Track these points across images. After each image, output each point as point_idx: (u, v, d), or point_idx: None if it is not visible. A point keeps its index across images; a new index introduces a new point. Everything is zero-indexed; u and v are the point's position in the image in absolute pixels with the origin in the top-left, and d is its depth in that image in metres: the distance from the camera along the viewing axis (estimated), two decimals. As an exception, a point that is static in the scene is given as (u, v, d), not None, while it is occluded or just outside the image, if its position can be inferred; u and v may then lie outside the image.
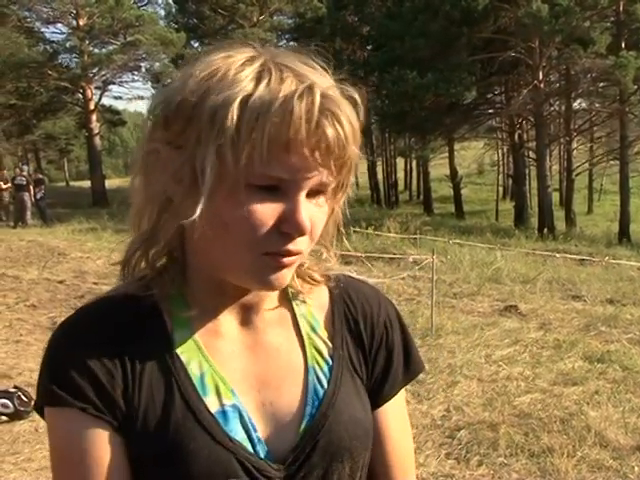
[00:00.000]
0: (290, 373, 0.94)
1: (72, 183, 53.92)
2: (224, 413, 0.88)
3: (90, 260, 12.12)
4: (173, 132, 0.83)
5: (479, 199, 46.66)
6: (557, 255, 13.34)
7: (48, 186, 26.49)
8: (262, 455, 0.88)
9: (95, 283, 9.90)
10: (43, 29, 35.02)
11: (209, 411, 0.87)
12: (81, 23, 30.37)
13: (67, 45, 31.72)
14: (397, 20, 28.17)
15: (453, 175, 36.40)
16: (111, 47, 31.21)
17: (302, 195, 0.82)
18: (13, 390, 4.99)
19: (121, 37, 31.25)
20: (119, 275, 0.92)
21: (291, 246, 0.83)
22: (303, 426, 0.90)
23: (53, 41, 33.42)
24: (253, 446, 0.88)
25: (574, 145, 31.57)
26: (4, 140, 37.42)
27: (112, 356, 0.86)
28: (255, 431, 0.89)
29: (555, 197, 32.48)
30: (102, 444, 0.84)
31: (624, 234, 25.27)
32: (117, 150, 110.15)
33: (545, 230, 24.58)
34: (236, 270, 0.86)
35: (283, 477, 0.88)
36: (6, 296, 9.07)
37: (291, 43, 42.17)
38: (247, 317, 0.95)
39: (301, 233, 0.82)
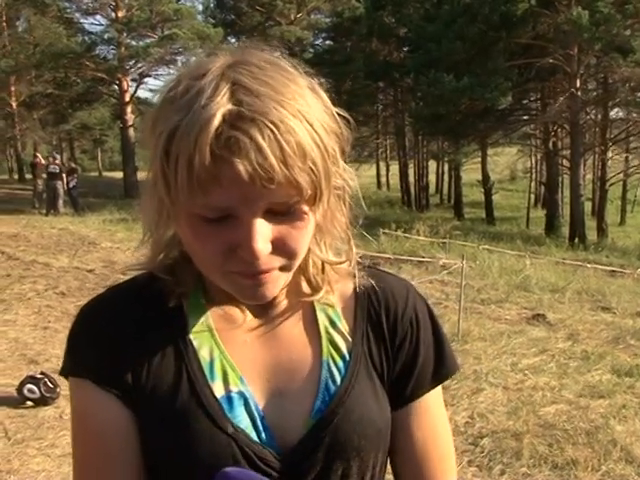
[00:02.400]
0: (302, 366, 0.93)
1: (105, 173, 54.42)
2: (229, 399, 0.88)
3: (120, 251, 12.23)
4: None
5: (510, 205, 46.31)
6: (588, 265, 13.24)
7: (81, 175, 26.84)
8: (266, 443, 0.88)
9: (124, 273, 9.95)
10: (82, 20, 35.17)
11: (214, 396, 0.88)
12: (120, 15, 30.68)
13: (105, 37, 32.05)
14: (435, 22, 28.08)
15: (485, 180, 36.12)
16: (148, 40, 31.45)
17: (255, 219, 0.78)
18: (40, 376, 5.04)
19: (158, 30, 31.53)
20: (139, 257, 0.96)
21: (254, 268, 0.81)
22: (311, 420, 0.89)
23: (91, 32, 33.87)
24: (258, 434, 0.88)
25: (609, 155, 31.25)
26: (40, 128, 37.93)
27: (126, 335, 0.91)
28: (262, 419, 0.89)
29: (587, 207, 32.14)
30: (108, 414, 0.89)
31: (657, 247, 24.89)
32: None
33: (576, 239, 24.39)
34: (215, 282, 0.87)
35: (284, 467, 0.87)
36: (36, 282, 9.18)
37: (327, 42, 42.31)
38: (263, 308, 0.94)
39: (255, 258, 0.79)
